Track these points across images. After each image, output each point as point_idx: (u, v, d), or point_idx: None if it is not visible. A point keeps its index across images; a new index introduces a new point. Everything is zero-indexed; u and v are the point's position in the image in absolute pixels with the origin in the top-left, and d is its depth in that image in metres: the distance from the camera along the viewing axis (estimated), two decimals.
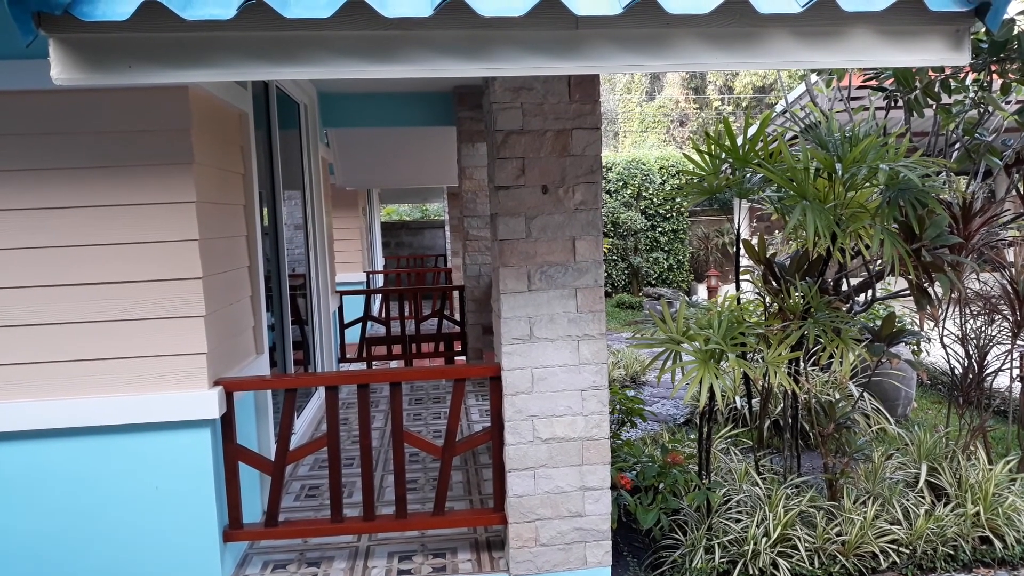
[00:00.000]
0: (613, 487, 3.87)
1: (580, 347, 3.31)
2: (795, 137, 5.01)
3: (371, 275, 12.04)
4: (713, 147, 4.23)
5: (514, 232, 3.26)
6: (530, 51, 2.31)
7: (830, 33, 2.39)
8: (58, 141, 3.03)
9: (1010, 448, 4.95)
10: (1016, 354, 4.67)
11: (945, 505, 4.14)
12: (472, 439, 3.71)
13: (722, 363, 3.94)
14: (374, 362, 7.91)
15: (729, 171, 4.41)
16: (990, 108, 5.00)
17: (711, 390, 3.82)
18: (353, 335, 8.04)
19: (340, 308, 7.75)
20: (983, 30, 4.22)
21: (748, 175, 4.39)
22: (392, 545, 3.70)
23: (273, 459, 3.37)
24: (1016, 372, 4.90)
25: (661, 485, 4.11)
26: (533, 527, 3.37)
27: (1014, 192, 4.99)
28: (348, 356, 7.87)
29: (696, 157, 4.29)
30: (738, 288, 4.52)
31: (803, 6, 2.26)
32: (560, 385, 3.32)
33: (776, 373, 4.01)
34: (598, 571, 3.46)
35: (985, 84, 5.06)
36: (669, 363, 4.00)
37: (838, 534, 4.00)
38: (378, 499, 4.14)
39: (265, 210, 4.71)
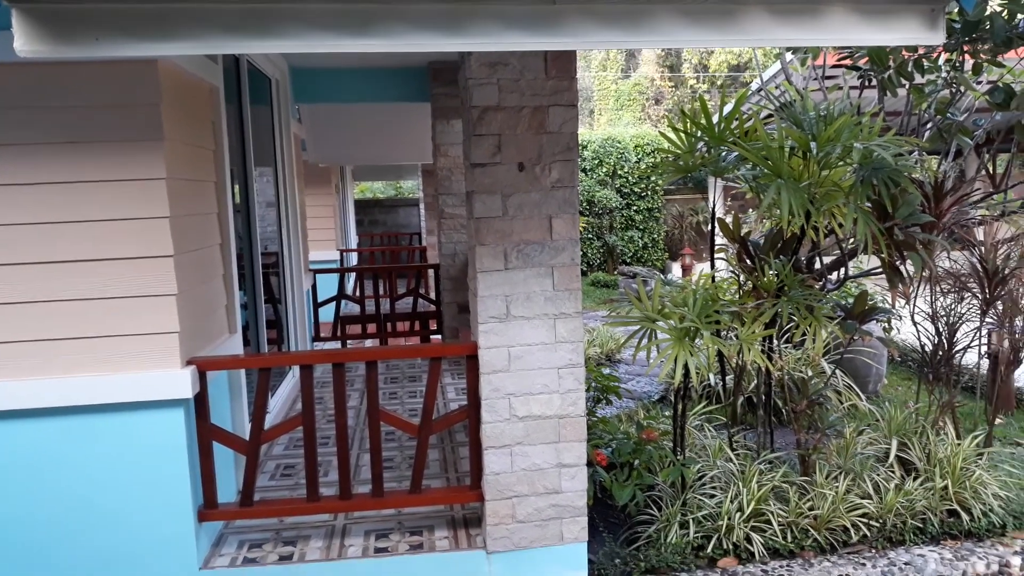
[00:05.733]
0: (589, 464, 3.89)
1: (557, 325, 3.31)
2: (770, 116, 5.02)
3: (345, 253, 11.95)
4: (689, 125, 4.23)
5: (490, 210, 3.24)
6: (508, 26, 2.28)
7: (807, 11, 2.38)
8: (24, 116, 2.95)
9: (977, 423, 5.05)
10: (984, 331, 4.75)
11: (915, 479, 4.22)
12: (448, 417, 3.71)
13: (697, 341, 3.97)
14: (349, 341, 7.87)
15: (704, 149, 4.41)
16: (962, 88, 5.04)
17: (686, 367, 3.85)
18: (327, 314, 7.98)
19: (314, 287, 7.68)
20: (956, 10, 4.24)
21: (723, 153, 4.40)
22: (368, 523, 3.70)
23: (248, 439, 3.35)
24: (984, 349, 4.99)
25: (636, 462, 4.15)
26: (510, 504, 3.39)
27: (984, 172, 5.05)
28: (322, 335, 7.82)
29: (672, 135, 4.29)
30: (713, 266, 4.54)
31: None
32: (537, 363, 3.32)
33: (750, 350, 4.04)
34: (574, 547, 3.48)
35: (957, 64, 5.10)
36: (644, 341, 4.02)
37: (810, 508, 4.07)
38: (354, 478, 4.13)
39: (236, 187, 4.64)
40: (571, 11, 2.29)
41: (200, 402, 3.22)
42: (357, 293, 8.17)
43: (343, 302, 7.98)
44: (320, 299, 7.83)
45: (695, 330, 3.93)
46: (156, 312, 3.06)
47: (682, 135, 4.26)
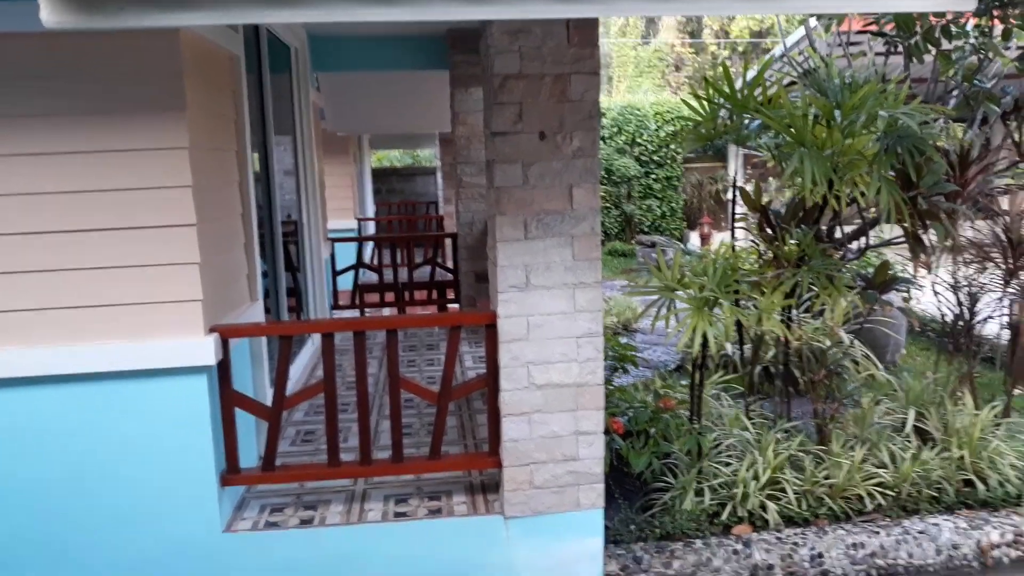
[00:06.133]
0: (606, 432, 3.92)
1: (576, 295, 3.32)
2: (792, 83, 4.96)
3: (362, 222, 11.98)
4: (711, 92, 4.18)
5: (511, 179, 3.23)
6: None
7: None
8: (50, 86, 2.96)
9: (996, 394, 5.03)
10: (1006, 301, 4.71)
11: (931, 449, 4.23)
12: (468, 385, 3.75)
13: (716, 310, 3.97)
14: (367, 309, 7.91)
15: (727, 117, 4.37)
16: (990, 54, 4.94)
17: (704, 337, 3.85)
18: (345, 282, 8.03)
19: (332, 255, 7.72)
20: None
21: (746, 121, 4.36)
22: (388, 489, 3.76)
23: (271, 405, 3.40)
24: (1005, 320, 4.95)
25: (653, 430, 4.17)
26: (528, 470, 3.43)
27: (1010, 140, 4.97)
28: (341, 304, 7.87)
29: (694, 102, 4.25)
30: (733, 236, 4.53)
31: None
32: (556, 332, 3.33)
33: (769, 320, 4.04)
34: (591, 513, 3.52)
35: (986, 30, 5.00)
36: (664, 311, 4.02)
37: (826, 478, 4.09)
38: (374, 444, 4.19)
39: (256, 156, 4.65)
40: None
41: (223, 369, 3.27)
42: (375, 262, 8.20)
43: (361, 271, 8.02)
44: (339, 268, 7.87)
45: (714, 300, 3.93)
46: (179, 280, 3.09)
47: (704, 102, 4.22)
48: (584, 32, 3.21)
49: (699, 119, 4.28)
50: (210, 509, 3.29)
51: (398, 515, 3.49)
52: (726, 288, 3.99)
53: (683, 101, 4.65)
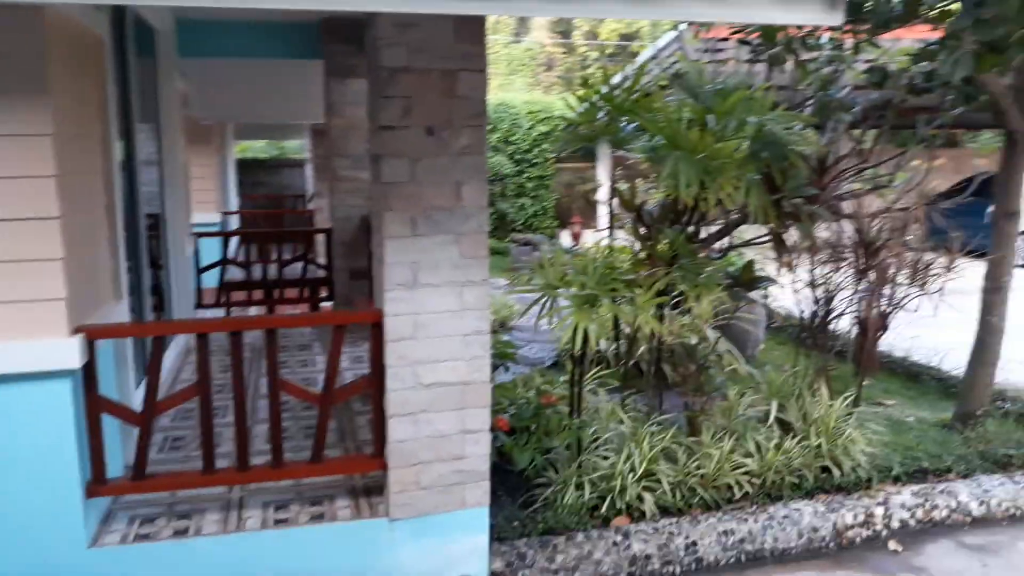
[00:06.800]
0: (491, 429, 3.93)
1: (464, 293, 3.30)
2: (664, 86, 5.14)
3: (227, 216, 11.47)
4: (591, 94, 4.27)
5: (398, 175, 3.18)
6: None
7: None
8: None
9: (848, 385, 5.40)
10: (857, 298, 5.07)
11: (792, 439, 4.49)
12: (352, 386, 3.66)
13: (596, 308, 4.06)
14: (233, 308, 7.58)
15: (604, 119, 4.48)
16: (842, 66, 5.31)
17: (586, 333, 3.93)
18: (210, 279, 7.65)
19: (196, 251, 7.35)
20: None
21: (623, 124, 4.48)
22: (266, 495, 3.61)
23: (141, 410, 3.18)
24: (856, 316, 5.32)
25: (535, 426, 4.22)
26: (414, 471, 3.39)
27: (856, 147, 5.34)
28: (205, 302, 7.50)
29: (574, 103, 4.32)
30: (611, 236, 4.64)
31: None
32: (443, 331, 3.30)
33: (645, 316, 4.17)
34: (476, 511, 3.52)
35: (839, 44, 5.36)
36: (547, 308, 4.08)
37: (697, 468, 4.26)
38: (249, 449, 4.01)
39: (118, 144, 4.35)
40: None
41: (89, 372, 3.03)
42: (240, 258, 7.86)
43: (228, 268, 7.68)
44: (203, 264, 7.50)
45: (595, 297, 4.02)
46: (41, 277, 2.83)
47: (584, 104, 4.31)
48: (471, 28, 3.19)
49: (575, 120, 4.37)
50: (74, 523, 3.04)
51: (278, 522, 3.36)
52: (605, 287, 4.09)
53: (564, 102, 4.72)
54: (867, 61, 5.53)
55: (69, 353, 2.90)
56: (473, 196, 3.27)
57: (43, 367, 2.89)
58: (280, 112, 9.44)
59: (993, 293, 5.07)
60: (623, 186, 4.90)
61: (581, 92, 4.37)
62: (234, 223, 12.37)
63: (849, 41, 5.26)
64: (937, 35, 4.54)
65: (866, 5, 4.46)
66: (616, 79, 4.70)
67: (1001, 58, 3.92)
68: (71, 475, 3.01)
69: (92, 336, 3.02)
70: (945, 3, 4.49)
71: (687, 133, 4.03)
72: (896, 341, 6.57)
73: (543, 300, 4.09)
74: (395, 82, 3.12)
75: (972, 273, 5.15)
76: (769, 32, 5.06)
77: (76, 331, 2.97)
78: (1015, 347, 5.95)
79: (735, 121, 3.99)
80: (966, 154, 20.39)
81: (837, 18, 2.59)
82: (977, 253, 5.31)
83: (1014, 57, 3.83)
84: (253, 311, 7.93)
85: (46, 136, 2.80)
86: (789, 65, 5.26)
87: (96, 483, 3.13)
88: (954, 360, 6.34)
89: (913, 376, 6.56)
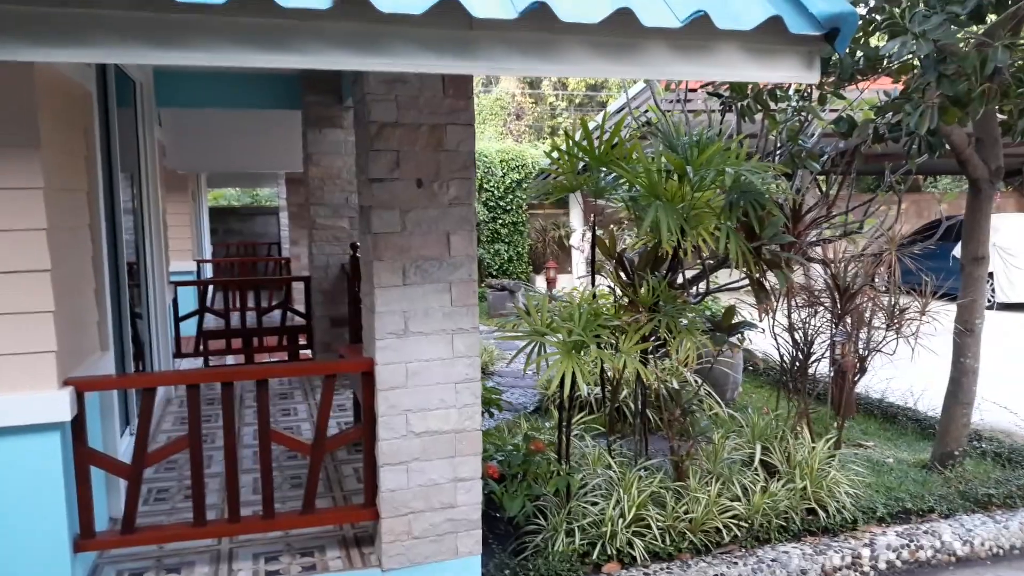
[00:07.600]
0: (481, 476, 3.94)
1: (455, 340, 3.34)
2: (642, 137, 5.28)
3: (201, 264, 11.42)
4: (571, 146, 4.38)
5: (389, 226, 3.23)
6: (424, 48, 2.31)
7: (703, 47, 2.56)
8: None
9: (828, 427, 5.49)
10: (834, 342, 5.18)
11: (777, 481, 4.54)
12: (344, 435, 3.66)
13: (583, 353, 4.11)
14: (211, 357, 7.53)
15: (581, 170, 4.59)
16: (810, 116, 5.50)
17: (573, 379, 3.98)
18: (187, 328, 7.60)
19: (175, 300, 7.31)
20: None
21: (603, 174, 4.59)
22: (256, 547, 3.57)
23: (131, 462, 3.15)
24: (833, 360, 5.44)
25: (523, 473, 4.23)
26: (406, 520, 3.38)
27: (822, 194, 5.50)
28: (183, 351, 7.45)
29: (556, 155, 4.43)
30: (594, 283, 4.71)
31: (682, 21, 2.41)
32: (435, 379, 3.33)
33: (631, 362, 4.23)
34: (469, 559, 3.51)
35: (806, 95, 5.56)
36: (535, 355, 4.12)
37: (686, 512, 4.28)
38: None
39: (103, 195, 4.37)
40: (486, 37, 2.35)
41: (78, 425, 3.01)
42: (217, 305, 7.83)
43: (206, 315, 7.64)
44: (182, 312, 7.45)
45: (582, 343, 4.08)
46: (32, 330, 2.83)
47: (565, 155, 4.42)
48: (459, 85, 3.29)
49: (550, 169, 4.46)
50: None
51: (270, 574, 3.32)
52: (591, 332, 4.15)
53: (539, 150, 4.83)
54: (832, 111, 5.73)
55: (59, 406, 2.88)
56: (461, 246, 3.34)
57: (33, 420, 2.87)
58: (258, 161, 9.48)
59: (965, 335, 5.21)
60: (601, 233, 4.99)
61: (559, 141, 4.48)
62: (208, 271, 12.31)
63: (816, 92, 5.46)
64: (898, 87, 4.74)
65: (832, 60, 4.65)
66: (591, 125, 4.83)
67: (963, 111, 4.10)
68: (59, 530, 2.96)
69: (81, 388, 3.01)
70: (905, 59, 4.70)
71: (666, 184, 4.14)
72: (872, 383, 6.70)
73: (531, 346, 4.13)
74: (384, 136, 3.19)
75: (943, 316, 5.29)
76: (739, 85, 5.24)
77: (65, 383, 2.96)
78: (989, 387, 6.09)
79: (713, 171, 4.11)
80: (926, 198, 21.01)
81: (814, 76, 2.72)
82: (947, 296, 5.45)
83: (976, 111, 4.00)
84: (231, 360, 7.87)
85: (37, 189, 2.82)
86: (759, 116, 5.44)
87: (84, 537, 3.08)
88: (929, 401, 6.47)
89: (890, 417, 6.66)
